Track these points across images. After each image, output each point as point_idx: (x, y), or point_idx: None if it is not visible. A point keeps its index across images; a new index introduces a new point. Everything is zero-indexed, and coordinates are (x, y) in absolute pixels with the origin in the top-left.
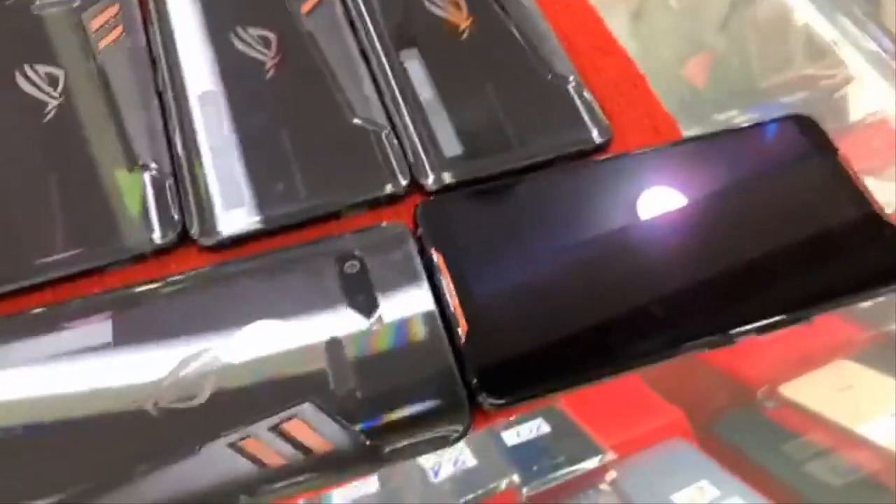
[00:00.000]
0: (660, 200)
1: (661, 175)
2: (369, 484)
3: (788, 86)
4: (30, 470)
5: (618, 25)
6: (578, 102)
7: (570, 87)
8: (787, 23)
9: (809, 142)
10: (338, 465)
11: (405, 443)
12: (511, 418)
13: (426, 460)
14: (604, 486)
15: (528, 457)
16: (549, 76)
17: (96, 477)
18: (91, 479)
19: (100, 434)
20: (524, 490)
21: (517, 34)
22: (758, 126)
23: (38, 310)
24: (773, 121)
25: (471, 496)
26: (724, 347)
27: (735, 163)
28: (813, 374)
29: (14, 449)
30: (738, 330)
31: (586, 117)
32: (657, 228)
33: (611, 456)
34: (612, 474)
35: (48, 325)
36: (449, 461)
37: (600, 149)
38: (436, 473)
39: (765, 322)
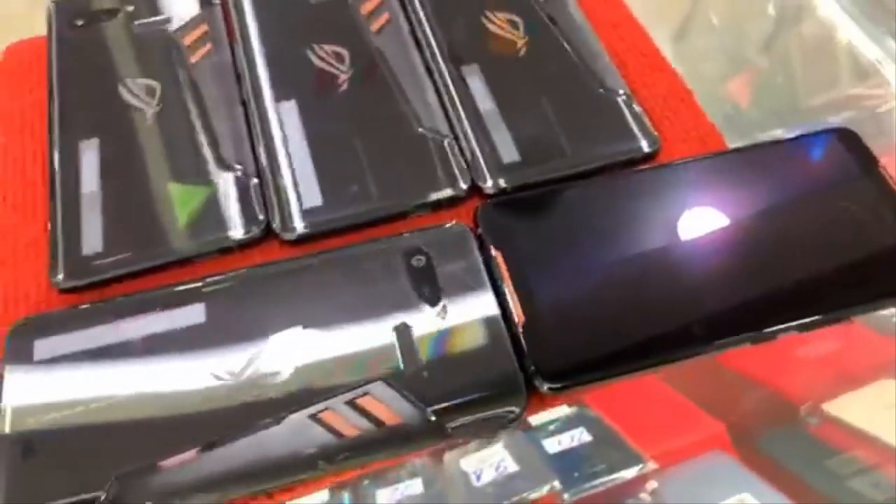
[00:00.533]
0: (705, 205)
1: (706, 182)
2: (413, 485)
3: (833, 105)
4: (130, 433)
5: (660, 45)
6: (628, 114)
7: (621, 100)
8: (831, 42)
9: (851, 153)
10: (405, 439)
11: (466, 420)
12: (552, 427)
13: (469, 464)
14: (644, 496)
15: (569, 464)
16: (601, 90)
17: (191, 442)
18: (186, 445)
19: (194, 404)
20: (566, 496)
21: (570, 51)
22: (801, 138)
23: (141, 292)
24: (816, 133)
25: (513, 499)
26: (766, 342)
27: (778, 171)
28: (857, 393)
29: (115, 414)
30: (780, 327)
31: (635, 128)
32: (703, 231)
33: (651, 466)
34: (652, 484)
35: (149, 305)
36: (491, 466)
37: (649, 158)
38: (478, 477)
39: (804, 321)
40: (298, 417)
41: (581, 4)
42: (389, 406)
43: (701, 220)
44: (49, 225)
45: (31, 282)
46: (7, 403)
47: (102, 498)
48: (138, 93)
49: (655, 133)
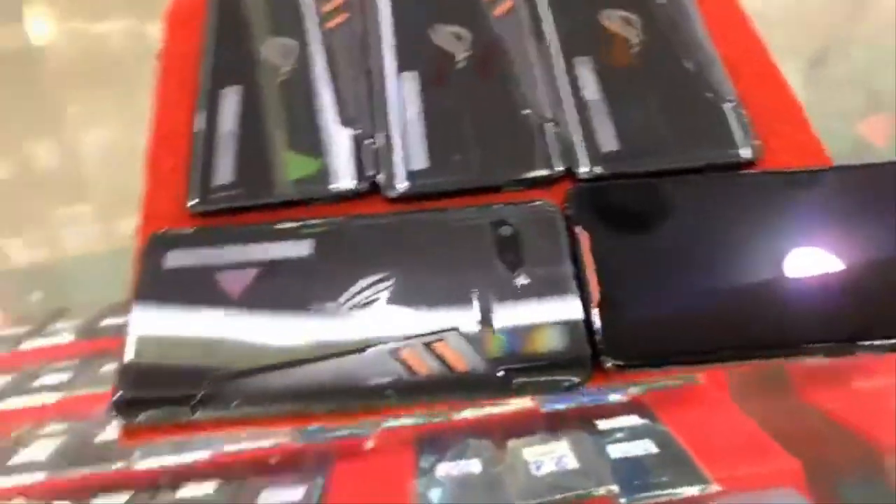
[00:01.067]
0: (798, 215)
1: (804, 194)
2: (472, 465)
3: None
4: (232, 341)
5: (794, 70)
6: (733, 120)
7: (728, 107)
8: None
9: None
10: (471, 387)
11: (531, 380)
12: (619, 435)
13: (531, 454)
14: None
15: (630, 471)
16: (709, 94)
17: (282, 356)
18: (278, 358)
19: (290, 324)
20: (622, 500)
21: (683, 54)
22: None
23: (259, 223)
24: None
25: (568, 494)
26: (843, 357)
27: (881, 192)
28: None
29: (222, 322)
30: (860, 343)
31: (739, 134)
32: (790, 240)
33: (715, 488)
34: None
35: (265, 235)
36: (552, 459)
37: (749, 165)
38: (538, 468)
39: (885, 342)
40: (379, 349)
41: (702, 12)
42: (461, 354)
43: (791, 230)
44: (189, 157)
45: (168, 204)
46: (136, 301)
47: (201, 394)
48: (277, 50)
49: (758, 142)
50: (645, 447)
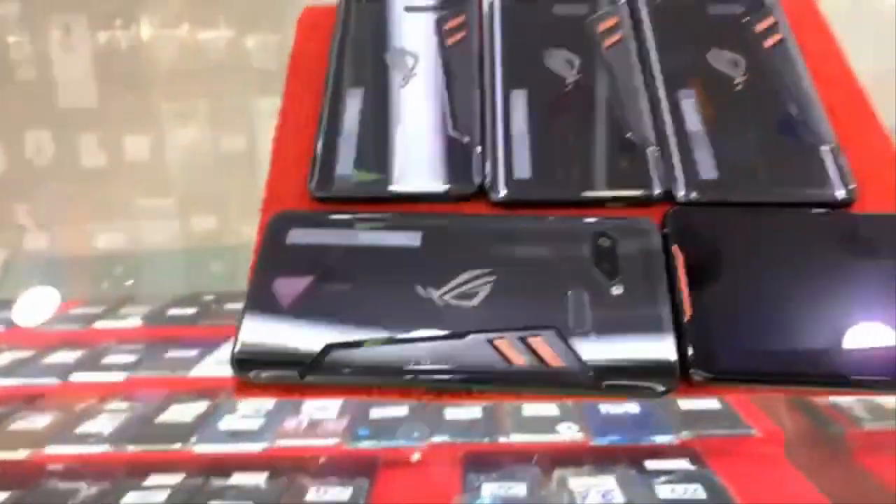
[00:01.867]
0: (889, 257)
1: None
2: (519, 487)
3: None
4: (343, 315)
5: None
6: (831, 162)
7: (827, 148)
8: None
9: None
10: (563, 383)
11: (620, 383)
12: (669, 476)
13: (578, 484)
14: None
15: None
16: (809, 135)
17: (387, 332)
18: (383, 334)
19: (397, 305)
20: None
21: (786, 96)
22: None
23: (375, 213)
24: None
25: None
26: None
27: None
28: None
29: (335, 297)
30: None
31: (835, 175)
32: (878, 278)
33: None
34: None
35: (380, 223)
36: (598, 492)
37: (843, 205)
38: (584, 498)
39: None
40: (477, 337)
41: (807, 60)
42: (555, 351)
43: (880, 271)
44: (312, 148)
45: (291, 188)
46: (258, 270)
47: (311, 360)
48: (400, 60)
49: (854, 185)
50: (693, 491)
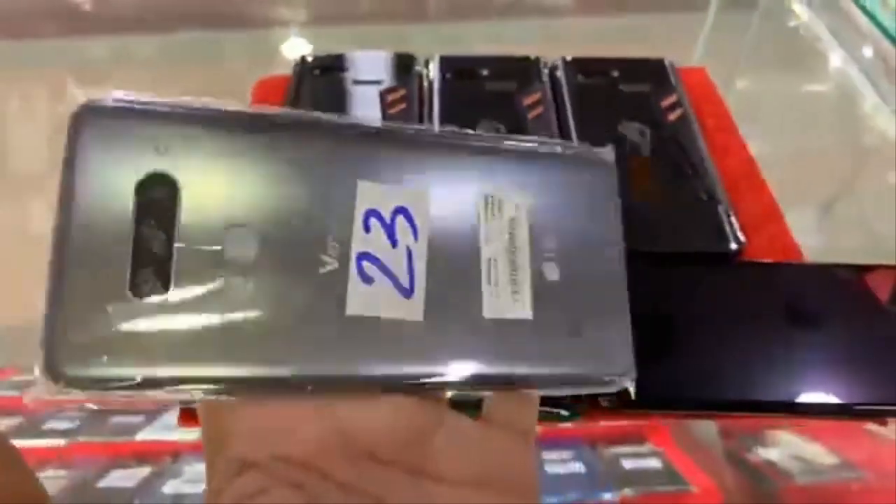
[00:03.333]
0: (764, 299)
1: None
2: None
3: None
4: None
5: (802, 216)
6: (723, 218)
7: (720, 207)
8: None
9: None
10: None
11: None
12: None
13: None
14: None
15: None
16: (705, 195)
17: None
18: None
19: None
20: None
21: (685, 161)
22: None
23: None
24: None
25: None
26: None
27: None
28: None
29: None
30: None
31: (728, 230)
32: (757, 316)
33: None
34: None
35: None
36: None
37: (734, 255)
38: None
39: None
40: None
41: (704, 129)
42: None
43: (761, 309)
44: None
45: None
46: None
47: None
48: None
49: (743, 238)
50: None
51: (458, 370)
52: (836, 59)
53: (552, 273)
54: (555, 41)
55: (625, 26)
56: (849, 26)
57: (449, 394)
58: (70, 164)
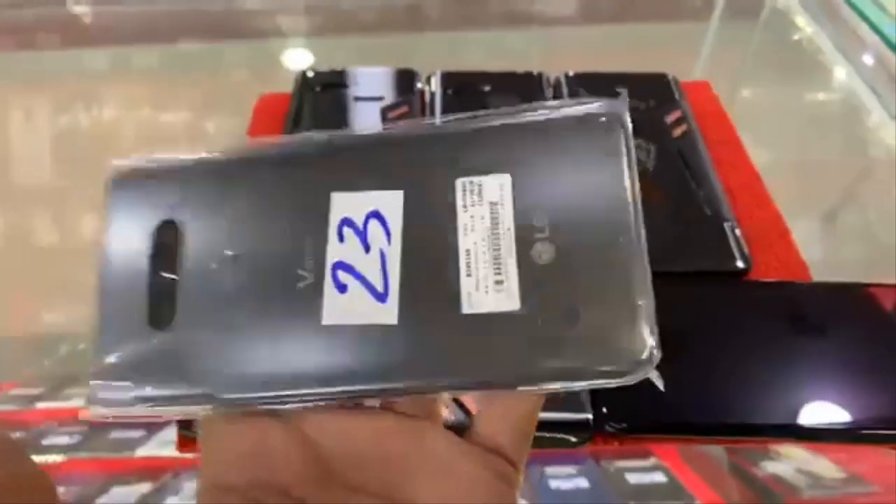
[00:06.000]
0: (773, 317)
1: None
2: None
3: None
4: None
5: (805, 227)
6: (730, 236)
7: (727, 225)
8: None
9: None
10: None
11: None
12: None
13: None
14: None
15: None
16: (711, 213)
17: None
18: None
19: None
20: None
21: (691, 178)
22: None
23: None
24: None
25: None
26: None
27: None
28: None
29: None
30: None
31: (734, 248)
32: (767, 336)
33: None
34: None
35: None
36: None
37: (741, 274)
38: None
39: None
40: None
41: (708, 144)
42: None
43: (770, 328)
44: None
45: None
46: None
47: None
48: None
49: (750, 256)
50: None
51: (435, 373)
52: (840, 70)
53: (546, 254)
54: (555, 51)
55: (626, 36)
56: (852, 37)
57: (445, 401)
58: (107, 219)
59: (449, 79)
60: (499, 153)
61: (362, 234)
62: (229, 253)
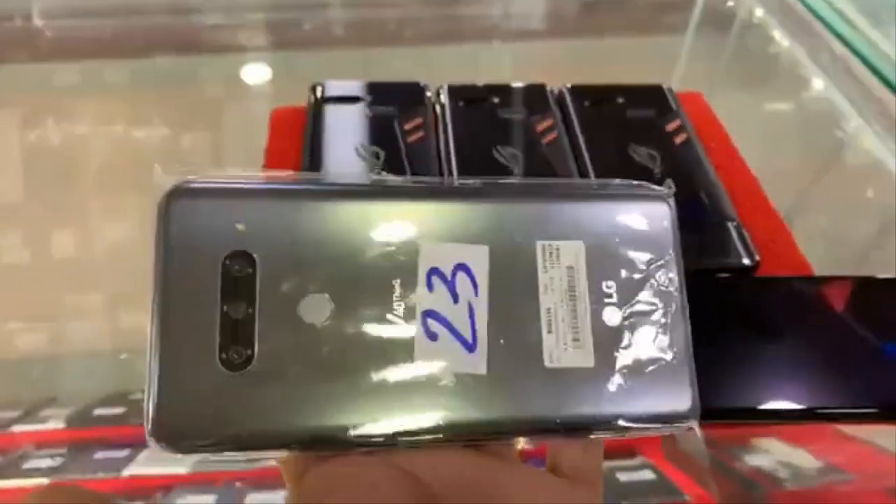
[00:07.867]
0: (781, 313)
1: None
2: None
3: None
4: None
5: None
6: (736, 236)
7: (732, 225)
8: None
9: None
10: None
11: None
12: None
13: None
14: None
15: None
16: (717, 215)
17: None
18: None
19: None
20: None
21: (695, 182)
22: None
23: None
24: None
25: None
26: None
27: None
28: None
29: None
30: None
31: (741, 247)
32: (776, 332)
33: None
34: None
35: None
36: None
37: (749, 271)
38: None
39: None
40: None
41: (707, 151)
42: None
43: (778, 325)
44: None
45: None
46: None
47: None
48: (367, 154)
49: (757, 255)
50: None
51: (522, 421)
52: (817, 82)
53: (613, 317)
54: (531, 64)
55: (601, 49)
56: (823, 47)
57: (520, 445)
58: (162, 246)
59: (456, 92)
60: (576, 222)
61: (451, 285)
62: (312, 286)
